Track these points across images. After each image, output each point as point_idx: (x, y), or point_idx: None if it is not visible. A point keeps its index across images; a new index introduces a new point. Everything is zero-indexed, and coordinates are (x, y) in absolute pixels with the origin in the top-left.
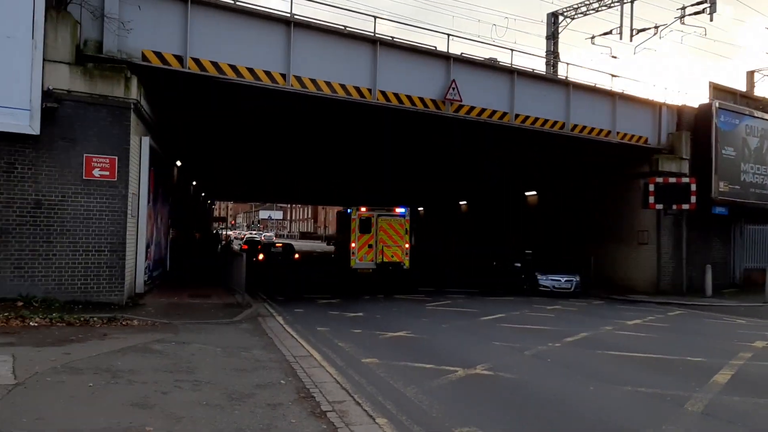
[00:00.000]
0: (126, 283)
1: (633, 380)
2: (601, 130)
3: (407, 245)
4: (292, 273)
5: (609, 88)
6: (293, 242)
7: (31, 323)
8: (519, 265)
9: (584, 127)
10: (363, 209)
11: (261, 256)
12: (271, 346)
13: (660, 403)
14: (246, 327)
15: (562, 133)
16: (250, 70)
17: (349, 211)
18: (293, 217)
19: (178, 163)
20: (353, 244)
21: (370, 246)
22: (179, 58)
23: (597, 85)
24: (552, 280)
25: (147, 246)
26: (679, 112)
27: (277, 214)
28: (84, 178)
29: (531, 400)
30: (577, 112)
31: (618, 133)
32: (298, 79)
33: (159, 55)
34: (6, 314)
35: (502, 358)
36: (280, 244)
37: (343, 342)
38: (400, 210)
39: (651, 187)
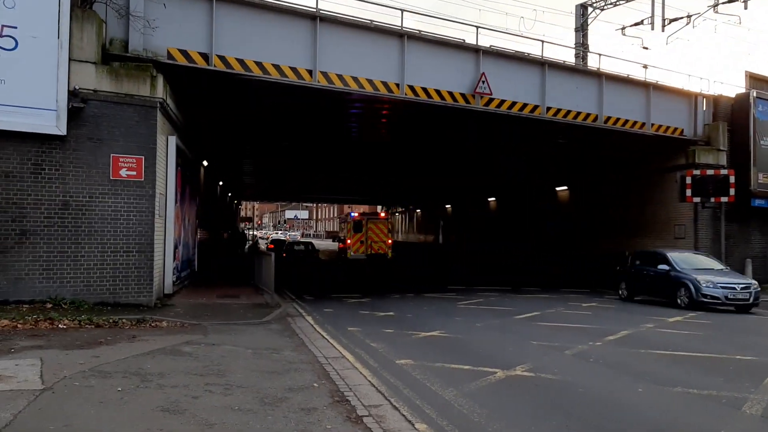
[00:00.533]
0: (154, 284)
1: (683, 381)
2: (635, 122)
3: (390, 241)
4: (316, 271)
5: (642, 79)
6: (318, 241)
7: (59, 325)
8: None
9: (617, 120)
10: (355, 215)
11: (284, 255)
12: (302, 347)
13: (715, 405)
14: (276, 327)
15: (594, 126)
16: (276, 67)
17: (352, 215)
18: (319, 217)
19: (205, 163)
20: (348, 241)
21: (362, 242)
22: (205, 56)
23: (630, 76)
24: (723, 287)
25: (175, 246)
26: (716, 102)
27: (303, 214)
28: (111, 178)
29: (577, 403)
30: (610, 104)
31: (653, 125)
32: (325, 74)
33: (184, 53)
34: (35, 316)
35: (543, 358)
36: (302, 243)
37: (375, 342)
38: (383, 215)
39: (688, 180)
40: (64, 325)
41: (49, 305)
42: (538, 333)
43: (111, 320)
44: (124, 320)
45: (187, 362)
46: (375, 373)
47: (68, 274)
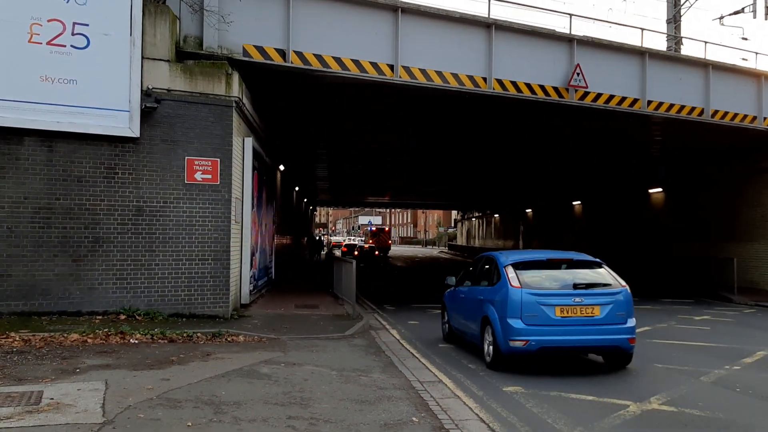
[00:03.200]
0: (231, 293)
1: None
2: (744, 116)
3: (389, 242)
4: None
5: (754, 68)
6: (393, 247)
7: (131, 340)
8: None
9: (726, 113)
10: (373, 228)
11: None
12: (391, 367)
13: None
14: (359, 343)
15: (700, 120)
16: (356, 62)
17: (371, 228)
18: (393, 223)
19: (281, 167)
20: (366, 245)
21: (373, 242)
22: (281, 52)
23: (739, 66)
24: None
25: (252, 253)
26: None
27: (377, 220)
28: (186, 181)
29: None
30: (718, 97)
31: (765, 119)
32: (407, 69)
33: (260, 49)
34: (106, 329)
35: (677, 387)
36: (368, 246)
37: (473, 363)
38: (387, 230)
39: None
40: (136, 339)
41: (122, 317)
42: (659, 353)
43: (185, 334)
44: (198, 334)
45: (265, 387)
46: (481, 403)
47: (142, 283)
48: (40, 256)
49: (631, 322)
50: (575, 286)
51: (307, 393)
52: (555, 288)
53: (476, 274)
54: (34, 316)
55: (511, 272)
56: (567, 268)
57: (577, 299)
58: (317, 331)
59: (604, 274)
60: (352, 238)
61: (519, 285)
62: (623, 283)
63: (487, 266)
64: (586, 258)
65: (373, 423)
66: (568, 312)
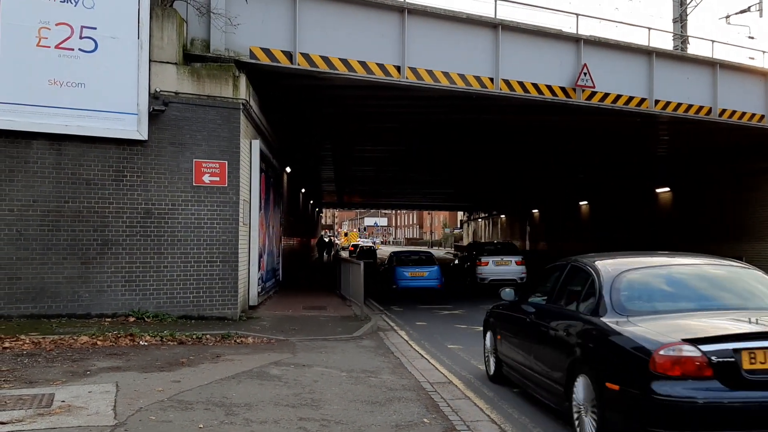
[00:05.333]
0: (239, 295)
1: None
2: (753, 115)
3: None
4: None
5: (762, 67)
6: (399, 249)
7: (140, 342)
8: None
9: (733, 112)
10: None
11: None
12: (401, 368)
13: None
14: (368, 344)
15: (708, 119)
16: (362, 64)
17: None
18: (398, 224)
19: (288, 169)
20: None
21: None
22: (288, 54)
23: (745, 64)
24: None
25: (260, 255)
26: None
27: (382, 221)
28: (194, 184)
29: None
30: (725, 96)
31: None
32: (413, 70)
33: (267, 51)
34: (116, 332)
35: None
36: (367, 246)
37: (482, 364)
38: (354, 231)
39: None
40: (146, 341)
41: (131, 319)
42: None
43: (194, 336)
44: (208, 336)
45: (276, 389)
46: (492, 404)
47: (151, 285)
48: (49, 259)
49: None
50: None
51: (317, 394)
52: None
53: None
54: (43, 319)
55: None
56: None
57: None
58: (326, 333)
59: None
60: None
61: None
62: None
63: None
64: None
65: (384, 424)
66: None
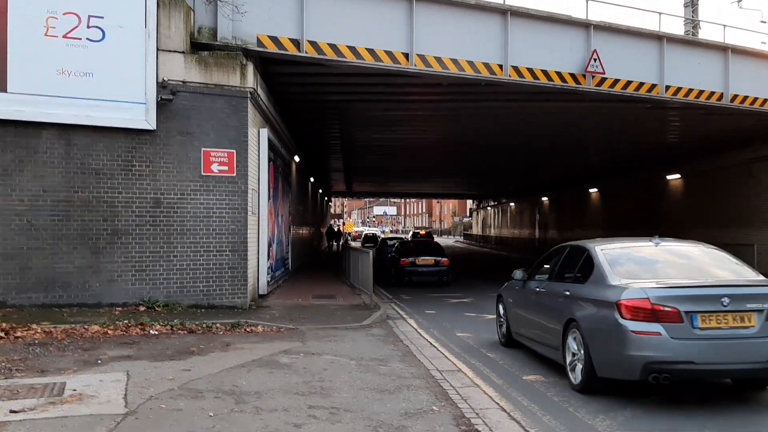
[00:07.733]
0: (249, 284)
1: None
2: (765, 100)
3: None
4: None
5: None
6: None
7: (151, 331)
8: None
9: (746, 98)
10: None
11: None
12: (410, 356)
13: None
14: (377, 332)
15: (720, 105)
16: (370, 51)
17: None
18: (407, 212)
19: (297, 158)
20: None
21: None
22: (296, 42)
23: (757, 49)
24: None
25: (269, 244)
26: None
27: (391, 210)
28: (202, 173)
29: None
30: (737, 81)
31: None
32: (422, 57)
33: (275, 39)
34: (126, 321)
35: None
36: (371, 233)
37: (492, 352)
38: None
39: None
40: (156, 330)
41: (142, 308)
42: None
43: (204, 325)
44: (218, 324)
45: (285, 377)
46: (502, 392)
47: (161, 275)
48: (59, 249)
49: None
50: None
51: (326, 382)
52: None
53: None
54: (54, 308)
55: None
56: None
57: None
58: (335, 321)
59: None
60: (367, 228)
61: None
62: None
63: None
64: None
65: (394, 412)
66: None
